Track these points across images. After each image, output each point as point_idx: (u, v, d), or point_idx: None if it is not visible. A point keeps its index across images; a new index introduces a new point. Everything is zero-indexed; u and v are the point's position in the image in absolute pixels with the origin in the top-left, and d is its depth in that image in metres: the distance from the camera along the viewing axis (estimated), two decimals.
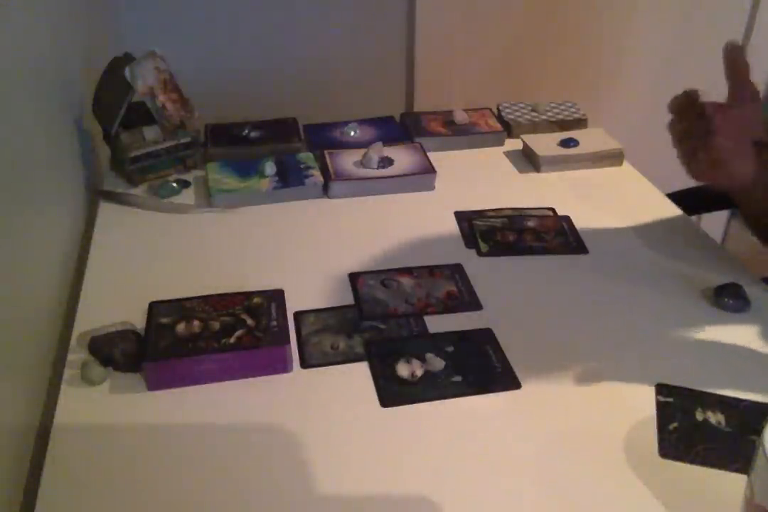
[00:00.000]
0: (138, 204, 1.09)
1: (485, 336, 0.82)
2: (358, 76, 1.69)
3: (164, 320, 0.79)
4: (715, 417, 0.71)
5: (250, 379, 0.76)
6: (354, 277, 0.93)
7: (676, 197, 1.14)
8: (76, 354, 0.79)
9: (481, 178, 1.19)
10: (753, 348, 0.81)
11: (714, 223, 2.05)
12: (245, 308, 0.81)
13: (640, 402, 0.73)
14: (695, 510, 0.62)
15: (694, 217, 1.07)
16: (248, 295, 0.83)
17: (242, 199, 1.09)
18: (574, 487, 0.64)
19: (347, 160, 1.17)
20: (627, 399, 0.73)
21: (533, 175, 1.20)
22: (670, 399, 0.73)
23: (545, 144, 1.22)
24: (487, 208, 1.09)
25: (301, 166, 1.16)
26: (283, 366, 0.77)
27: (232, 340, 0.76)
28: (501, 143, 1.29)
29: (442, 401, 0.73)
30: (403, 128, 1.31)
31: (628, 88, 1.85)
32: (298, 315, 0.86)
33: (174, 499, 0.63)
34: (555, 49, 1.74)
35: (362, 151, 1.17)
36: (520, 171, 1.21)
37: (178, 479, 0.65)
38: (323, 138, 1.27)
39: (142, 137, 1.14)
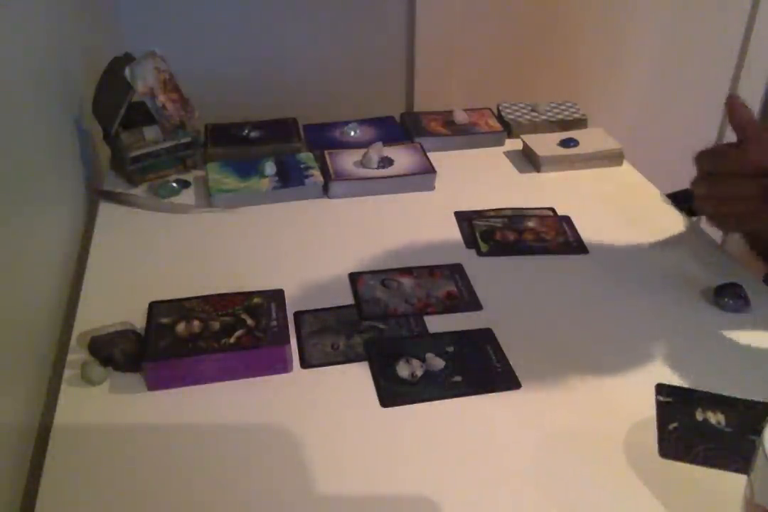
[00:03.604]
0: (138, 204, 1.09)
1: (485, 336, 0.82)
2: (358, 76, 1.69)
3: (164, 320, 0.79)
4: (715, 417, 0.71)
5: (250, 379, 0.76)
6: (354, 277, 0.93)
7: (676, 197, 1.14)
8: (76, 354, 0.79)
9: (481, 178, 1.19)
10: (753, 348, 0.81)
11: None
12: (245, 308, 0.81)
13: (640, 402, 0.73)
14: (695, 510, 0.62)
15: (694, 217, 1.07)
16: (248, 295, 0.83)
17: (242, 199, 1.09)
18: (574, 487, 0.64)
19: (347, 160, 1.17)
20: (627, 399, 0.73)
21: (533, 175, 1.20)
22: (670, 399, 0.73)
23: (545, 144, 1.22)
24: (487, 208, 1.09)
25: (301, 166, 1.16)
26: (283, 366, 0.77)
27: (232, 340, 0.76)
28: (501, 143, 1.29)
29: (442, 401, 0.73)
30: (403, 128, 1.31)
31: (628, 88, 1.85)
32: (298, 315, 0.86)
33: (174, 499, 0.63)
34: (555, 49, 1.74)
35: (362, 151, 1.17)
36: (520, 171, 1.21)
37: (178, 479, 0.65)
38: (323, 138, 1.27)
39: (142, 137, 1.14)
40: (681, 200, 1.13)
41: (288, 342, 0.77)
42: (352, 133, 1.28)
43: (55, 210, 0.95)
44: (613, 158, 1.22)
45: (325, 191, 1.13)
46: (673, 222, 1.06)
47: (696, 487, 0.64)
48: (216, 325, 0.78)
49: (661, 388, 0.74)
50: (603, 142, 1.23)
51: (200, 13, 1.56)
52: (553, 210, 1.09)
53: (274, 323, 0.79)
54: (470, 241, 1.01)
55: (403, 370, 0.77)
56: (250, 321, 0.79)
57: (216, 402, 0.73)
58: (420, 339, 0.82)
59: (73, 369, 0.77)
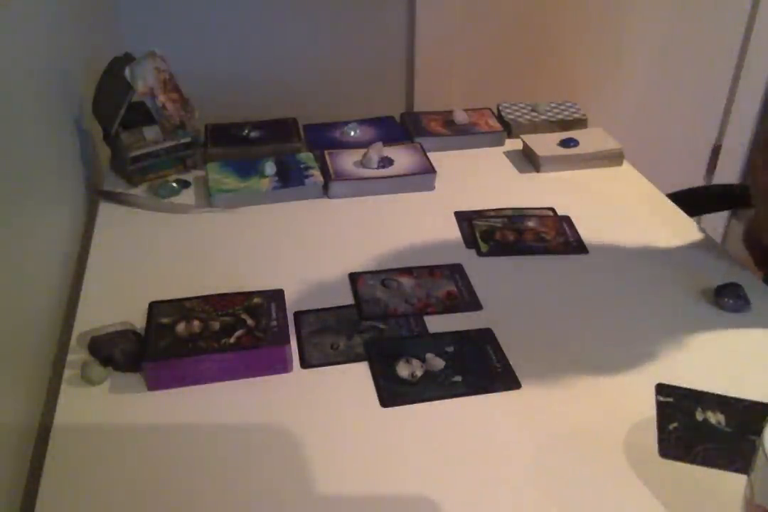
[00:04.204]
0: (138, 204, 1.09)
1: (485, 336, 0.82)
2: (358, 76, 1.70)
3: (164, 320, 0.79)
4: (715, 417, 0.71)
5: (250, 379, 0.76)
6: (354, 277, 0.93)
7: (676, 197, 1.14)
8: (76, 354, 0.79)
9: (481, 178, 1.19)
10: (753, 348, 0.81)
11: (714, 223, 2.06)
12: (245, 308, 0.81)
13: (640, 402, 0.73)
14: (695, 510, 0.62)
15: (694, 217, 1.07)
16: (248, 295, 0.83)
17: (242, 199, 1.09)
18: (574, 487, 0.64)
19: (347, 160, 1.17)
20: (627, 399, 0.73)
21: (533, 175, 1.20)
22: (670, 399, 0.73)
23: (545, 144, 1.22)
24: (487, 208, 1.09)
25: (301, 166, 1.16)
26: (283, 366, 0.77)
27: (232, 340, 0.76)
28: (501, 143, 1.29)
29: (442, 401, 0.73)
30: (403, 128, 1.31)
31: (627, 88, 1.85)
32: (298, 315, 0.86)
33: (174, 499, 0.63)
34: (555, 50, 1.74)
35: (362, 151, 1.17)
36: (520, 171, 1.21)
37: (178, 479, 0.65)
38: (323, 138, 1.27)
39: (142, 137, 1.14)
40: (681, 200, 1.13)
41: (288, 342, 0.77)
42: (352, 133, 1.28)
43: (55, 210, 0.95)
44: (613, 158, 1.22)
45: (325, 191, 1.13)
46: (673, 222, 1.06)
47: (696, 487, 0.64)
48: (216, 325, 0.78)
49: (661, 388, 0.74)
50: (603, 142, 1.23)
51: (200, 14, 1.56)
52: (553, 210, 1.09)
53: (274, 323, 0.79)
54: (470, 241, 1.01)
55: (403, 370, 0.77)
56: (250, 321, 0.79)
57: (216, 402, 0.73)
58: (420, 339, 0.82)
59: (73, 369, 0.77)
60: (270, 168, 1.13)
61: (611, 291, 0.90)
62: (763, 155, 0.87)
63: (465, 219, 1.06)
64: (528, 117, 1.33)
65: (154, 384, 0.75)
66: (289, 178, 1.12)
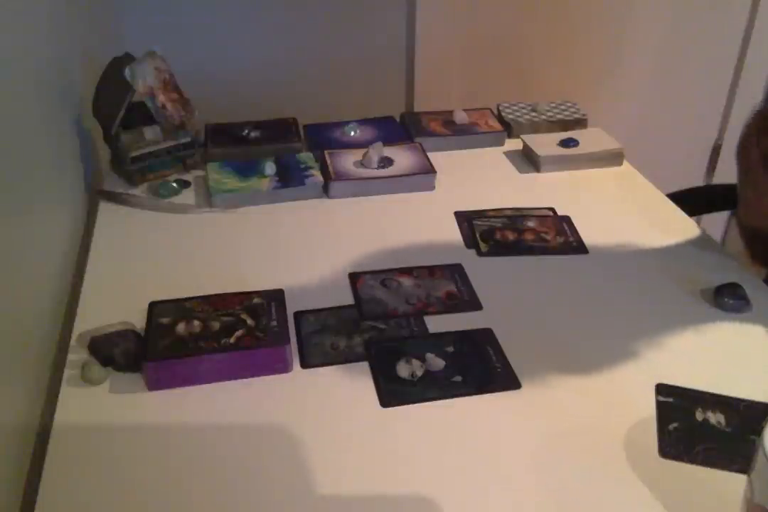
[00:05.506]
0: (138, 204, 1.09)
1: (485, 336, 0.82)
2: (358, 76, 1.69)
3: (164, 320, 0.79)
4: (715, 417, 0.71)
5: (250, 379, 0.76)
6: (354, 277, 0.93)
7: (676, 197, 1.14)
8: (76, 354, 0.79)
9: (481, 178, 1.19)
10: (753, 348, 0.81)
11: (714, 223, 2.05)
12: (245, 308, 0.81)
13: (640, 402, 0.73)
14: (695, 510, 0.62)
15: (694, 217, 1.07)
16: (248, 295, 0.83)
17: (242, 199, 1.09)
18: (574, 487, 0.64)
19: (347, 160, 1.17)
20: (627, 399, 0.73)
21: (533, 175, 1.20)
22: (670, 399, 0.73)
23: (545, 144, 1.22)
24: (487, 208, 1.09)
25: (301, 166, 1.16)
26: (283, 366, 0.77)
27: (232, 340, 0.76)
28: (501, 143, 1.29)
29: (442, 401, 0.73)
30: (403, 128, 1.31)
31: (628, 88, 1.85)
32: (298, 315, 0.86)
33: (174, 499, 0.63)
34: (555, 49, 1.74)
35: (362, 151, 1.17)
36: (520, 171, 1.21)
37: (178, 479, 0.65)
38: (323, 138, 1.27)
39: (142, 137, 1.14)
40: (681, 200, 1.13)
41: (288, 342, 0.77)
42: (352, 133, 1.28)
43: (55, 210, 0.95)
44: (613, 158, 1.22)
45: (325, 191, 1.13)
46: (673, 222, 1.06)
47: (696, 487, 0.64)
48: (216, 325, 0.78)
49: (661, 388, 0.74)
50: (603, 142, 1.23)
51: (200, 14, 1.56)
52: (553, 210, 1.09)
53: (274, 323, 0.79)
54: (470, 241, 1.01)
55: (403, 370, 0.77)
56: (250, 321, 0.79)
57: (216, 402, 0.73)
58: (420, 339, 0.82)
59: (73, 369, 0.77)
60: (270, 168, 1.13)
61: (611, 291, 0.90)
62: (758, 129, 0.86)
63: (465, 219, 1.06)
64: (528, 117, 1.33)
65: (154, 384, 0.75)
66: (289, 178, 1.12)
